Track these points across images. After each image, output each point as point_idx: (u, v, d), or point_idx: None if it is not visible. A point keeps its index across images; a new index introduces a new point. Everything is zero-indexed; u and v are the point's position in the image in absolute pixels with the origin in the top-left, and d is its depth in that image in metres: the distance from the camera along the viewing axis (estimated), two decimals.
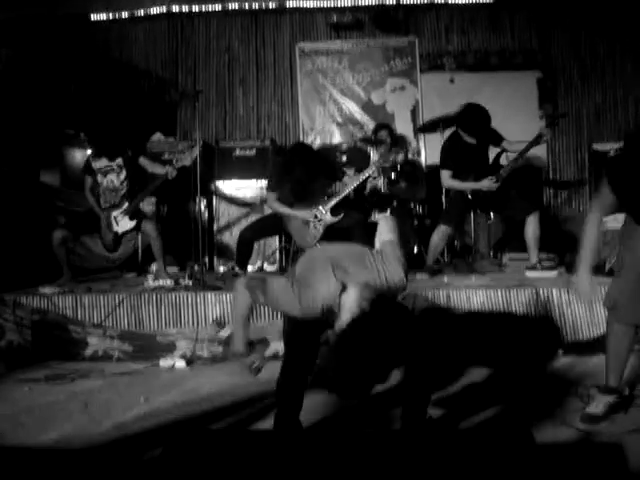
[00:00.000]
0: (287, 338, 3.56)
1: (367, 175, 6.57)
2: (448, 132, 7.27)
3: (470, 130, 6.61)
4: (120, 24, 9.27)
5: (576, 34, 9.00)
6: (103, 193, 6.57)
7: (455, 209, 6.78)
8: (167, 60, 9.36)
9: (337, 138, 8.96)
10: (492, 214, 7.34)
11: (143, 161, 6.58)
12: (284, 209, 6.45)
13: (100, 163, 6.56)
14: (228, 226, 7.93)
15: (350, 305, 2.95)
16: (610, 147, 7.87)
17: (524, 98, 8.93)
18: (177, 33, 9.37)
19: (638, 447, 3.15)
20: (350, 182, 6.53)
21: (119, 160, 6.52)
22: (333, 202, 6.40)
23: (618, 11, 8.81)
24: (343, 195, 6.41)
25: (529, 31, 9.10)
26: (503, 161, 6.69)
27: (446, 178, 6.65)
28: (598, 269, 6.01)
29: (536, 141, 6.56)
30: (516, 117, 8.59)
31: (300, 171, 6.49)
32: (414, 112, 9.00)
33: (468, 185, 6.54)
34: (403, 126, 8.87)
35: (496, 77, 8.94)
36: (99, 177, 6.56)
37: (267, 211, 7.11)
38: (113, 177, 6.54)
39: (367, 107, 9.06)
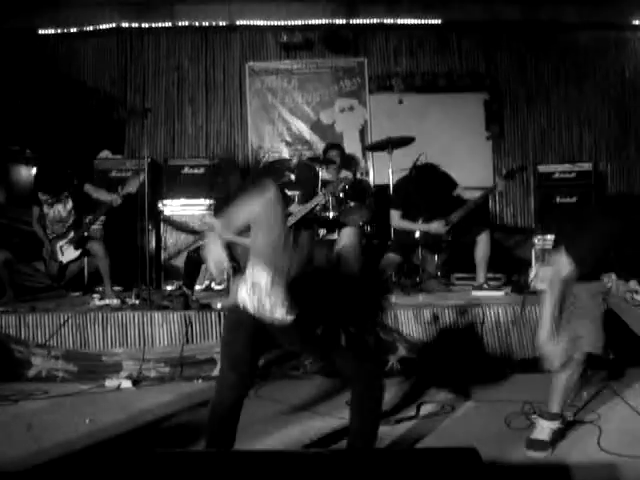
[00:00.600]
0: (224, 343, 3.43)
1: (315, 204, 6.57)
2: (397, 153, 7.40)
3: (422, 186, 6.73)
4: (69, 39, 9.14)
5: (522, 58, 9.15)
6: (50, 224, 6.55)
7: (403, 243, 6.86)
8: (116, 77, 9.26)
9: (285, 154, 9.01)
10: (437, 255, 7.33)
11: (88, 188, 6.57)
12: (231, 237, 6.32)
13: (47, 195, 6.51)
14: (176, 248, 7.86)
15: None
16: (555, 169, 8.02)
17: (471, 119, 9.05)
18: (126, 50, 9.28)
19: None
20: (298, 212, 6.50)
21: (65, 192, 6.51)
22: None
23: (563, 37, 9.02)
24: (290, 224, 6.36)
25: (476, 54, 9.23)
26: None
27: (395, 219, 6.78)
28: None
29: (490, 191, 6.71)
30: (463, 138, 8.72)
31: None
32: (362, 132, 9.08)
33: (417, 226, 6.64)
34: (352, 146, 8.92)
35: (444, 99, 9.04)
36: (45, 208, 6.54)
37: None
38: (60, 207, 6.52)
39: (316, 127, 9.11)
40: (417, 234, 6.67)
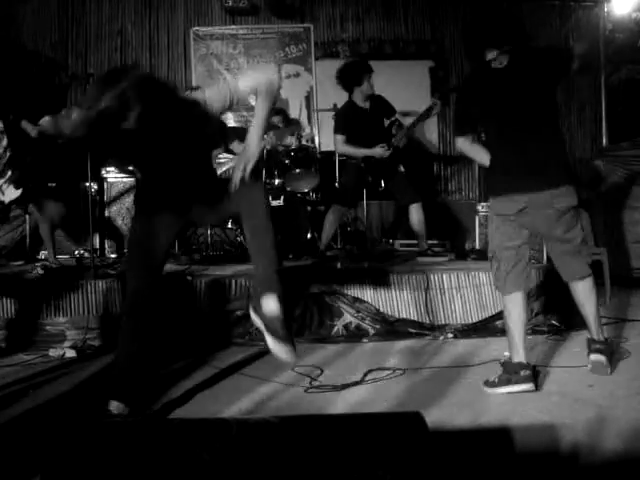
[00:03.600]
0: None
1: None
2: None
3: (350, 84, 6.71)
4: (7, 2, 8.93)
5: None
6: None
7: (349, 183, 6.87)
8: (57, 41, 9.08)
9: (231, 124, 8.91)
10: (383, 183, 7.33)
11: (25, 125, 6.34)
12: None
13: None
14: (119, 210, 7.76)
15: None
16: None
17: (417, 87, 9.08)
18: (67, 13, 9.09)
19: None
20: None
21: (0, 125, 6.28)
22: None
23: (508, 6, 9.05)
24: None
25: (422, 21, 9.26)
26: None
27: (339, 143, 6.74)
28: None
29: (427, 112, 6.69)
30: (408, 105, 8.73)
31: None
32: (308, 99, 9.06)
33: (361, 151, 6.62)
34: (297, 113, 8.89)
35: (390, 66, 9.04)
36: None
37: None
38: None
39: None
40: (362, 163, 6.70)
